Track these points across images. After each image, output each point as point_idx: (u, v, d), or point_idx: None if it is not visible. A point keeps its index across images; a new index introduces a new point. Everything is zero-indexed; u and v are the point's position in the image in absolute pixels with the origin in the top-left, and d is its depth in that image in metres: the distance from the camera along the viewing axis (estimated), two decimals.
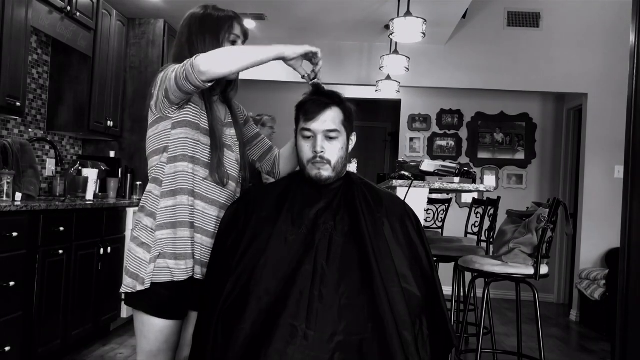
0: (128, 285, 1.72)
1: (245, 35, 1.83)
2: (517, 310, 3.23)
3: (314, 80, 1.74)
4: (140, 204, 1.78)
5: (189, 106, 1.72)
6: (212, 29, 1.77)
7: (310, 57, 1.71)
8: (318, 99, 1.70)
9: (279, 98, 6.69)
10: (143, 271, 1.70)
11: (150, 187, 1.76)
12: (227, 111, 1.87)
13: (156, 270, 1.69)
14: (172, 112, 1.71)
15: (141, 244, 1.72)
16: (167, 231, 1.70)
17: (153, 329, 1.73)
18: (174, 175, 1.71)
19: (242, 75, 1.81)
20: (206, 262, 1.73)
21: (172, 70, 1.65)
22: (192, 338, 1.73)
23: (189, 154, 1.72)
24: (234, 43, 1.79)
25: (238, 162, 1.84)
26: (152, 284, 1.69)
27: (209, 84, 1.63)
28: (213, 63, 1.58)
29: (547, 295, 6.41)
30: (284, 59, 1.68)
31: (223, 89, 1.85)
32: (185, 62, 1.62)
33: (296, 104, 1.75)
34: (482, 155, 6.66)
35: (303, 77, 1.74)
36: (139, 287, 1.69)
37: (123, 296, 1.81)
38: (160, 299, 1.70)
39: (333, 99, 1.71)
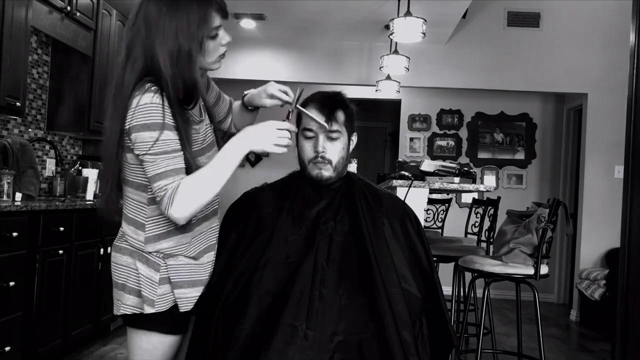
0: (133, 305, 1.54)
1: (225, 15, 1.51)
2: (517, 310, 3.23)
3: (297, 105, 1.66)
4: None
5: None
6: (187, 31, 1.42)
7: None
8: (321, 100, 1.69)
9: None
10: (152, 292, 1.51)
11: (128, 229, 1.57)
12: (200, 108, 1.60)
13: (180, 301, 1.52)
14: None
15: (145, 260, 1.54)
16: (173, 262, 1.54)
17: (162, 347, 1.56)
18: (159, 218, 1.52)
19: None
20: None
21: (152, 152, 1.40)
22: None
23: None
24: (214, 38, 1.50)
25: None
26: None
27: None
28: (187, 211, 1.41)
29: (547, 295, 6.41)
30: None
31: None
32: (162, 192, 1.40)
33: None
34: (482, 155, 6.66)
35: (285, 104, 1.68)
36: (149, 310, 1.50)
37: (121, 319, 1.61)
38: (175, 315, 1.54)
39: (337, 102, 1.69)
